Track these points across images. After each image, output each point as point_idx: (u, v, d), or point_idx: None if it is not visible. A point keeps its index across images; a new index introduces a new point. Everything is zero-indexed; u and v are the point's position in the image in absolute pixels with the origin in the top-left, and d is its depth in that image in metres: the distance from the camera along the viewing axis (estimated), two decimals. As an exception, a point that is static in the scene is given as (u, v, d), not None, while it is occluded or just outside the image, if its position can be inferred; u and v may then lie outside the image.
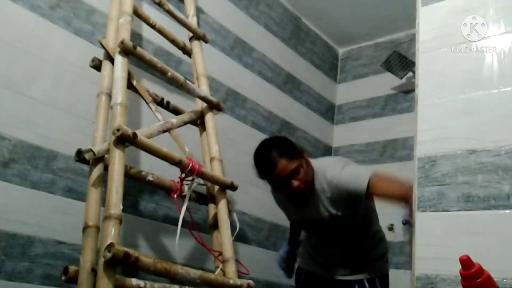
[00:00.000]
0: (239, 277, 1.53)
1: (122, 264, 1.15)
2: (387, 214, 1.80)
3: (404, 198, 1.40)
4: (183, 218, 1.51)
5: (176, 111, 1.84)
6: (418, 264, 1.03)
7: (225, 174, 1.74)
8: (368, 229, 1.77)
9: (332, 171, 1.59)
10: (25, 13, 1.60)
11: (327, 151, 3.00)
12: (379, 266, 1.78)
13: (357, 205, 1.60)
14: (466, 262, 0.80)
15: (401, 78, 2.76)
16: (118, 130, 1.31)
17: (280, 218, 1.95)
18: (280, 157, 1.54)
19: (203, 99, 1.81)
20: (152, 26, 1.83)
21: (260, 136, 2.47)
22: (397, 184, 1.49)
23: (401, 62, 2.67)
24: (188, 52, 1.98)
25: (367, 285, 1.73)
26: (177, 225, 1.49)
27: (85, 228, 1.29)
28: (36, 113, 1.58)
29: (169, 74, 1.67)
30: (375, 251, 1.78)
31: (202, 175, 1.57)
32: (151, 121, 1.68)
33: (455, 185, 1.03)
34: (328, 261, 1.81)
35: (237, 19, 2.46)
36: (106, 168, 1.39)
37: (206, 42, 2.02)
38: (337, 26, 3.02)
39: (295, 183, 1.55)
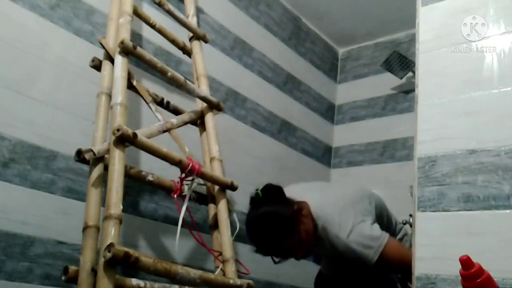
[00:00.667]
0: (239, 277, 1.53)
1: (122, 264, 1.15)
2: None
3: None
4: (183, 218, 1.51)
5: (176, 111, 1.84)
6: (418, 264, 1.03)
7: (225, 174, 1.74)
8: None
9: (337, 234, 1.42)
10: (25, 13, 1.59)
11: (327, 151, 3.00)
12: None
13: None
14: (466, 262, 0.80)
15: (401, 78, 2.75)
16: (118, 130, 1.31)
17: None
18: (282, 240, 1.43)
19: (203, 99, 1.81)
20: (152, 26, 1.83)
21: (260, 136, 2.49)
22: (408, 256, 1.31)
23: (401, 62, 2.67)
24: (188, 52, 1.98)
25: (387, 283, 1.67)
26: (177, 225, 1.49)
27: (85, 228, 1.29)
28: (36, 113, 1.58)
29: (169, 74, 1.67)
30: None
31: (202, 175, 1.57)
32: (151, 121, 1.68)
33: (455, 185, 1.03)
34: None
35: (237, 19, 2.46)
36: (106, 168, 1.39)
37: (206, 42, 2.02)
38: (337, 26, 3.01)
39: (299, 254, 1.50)
